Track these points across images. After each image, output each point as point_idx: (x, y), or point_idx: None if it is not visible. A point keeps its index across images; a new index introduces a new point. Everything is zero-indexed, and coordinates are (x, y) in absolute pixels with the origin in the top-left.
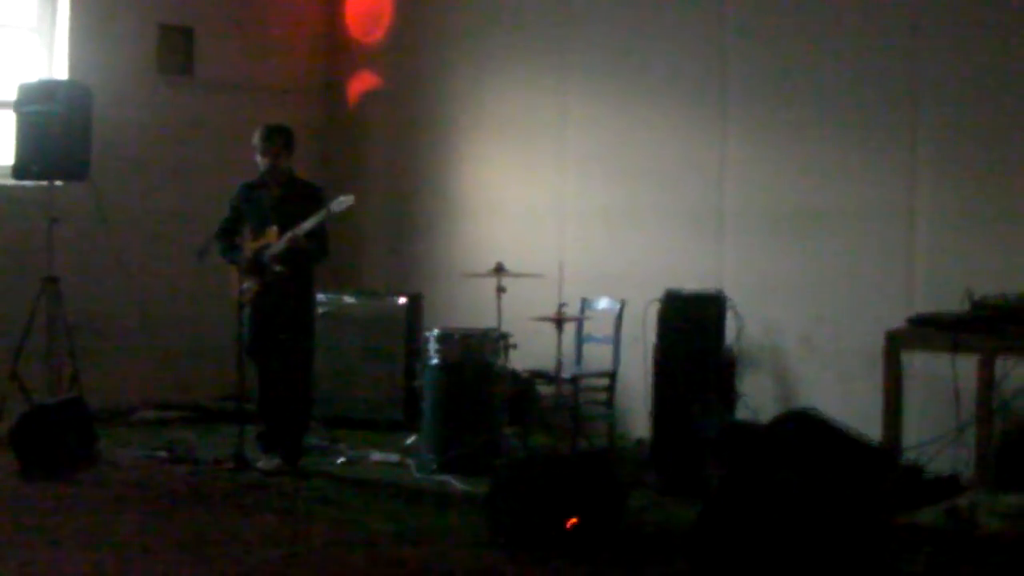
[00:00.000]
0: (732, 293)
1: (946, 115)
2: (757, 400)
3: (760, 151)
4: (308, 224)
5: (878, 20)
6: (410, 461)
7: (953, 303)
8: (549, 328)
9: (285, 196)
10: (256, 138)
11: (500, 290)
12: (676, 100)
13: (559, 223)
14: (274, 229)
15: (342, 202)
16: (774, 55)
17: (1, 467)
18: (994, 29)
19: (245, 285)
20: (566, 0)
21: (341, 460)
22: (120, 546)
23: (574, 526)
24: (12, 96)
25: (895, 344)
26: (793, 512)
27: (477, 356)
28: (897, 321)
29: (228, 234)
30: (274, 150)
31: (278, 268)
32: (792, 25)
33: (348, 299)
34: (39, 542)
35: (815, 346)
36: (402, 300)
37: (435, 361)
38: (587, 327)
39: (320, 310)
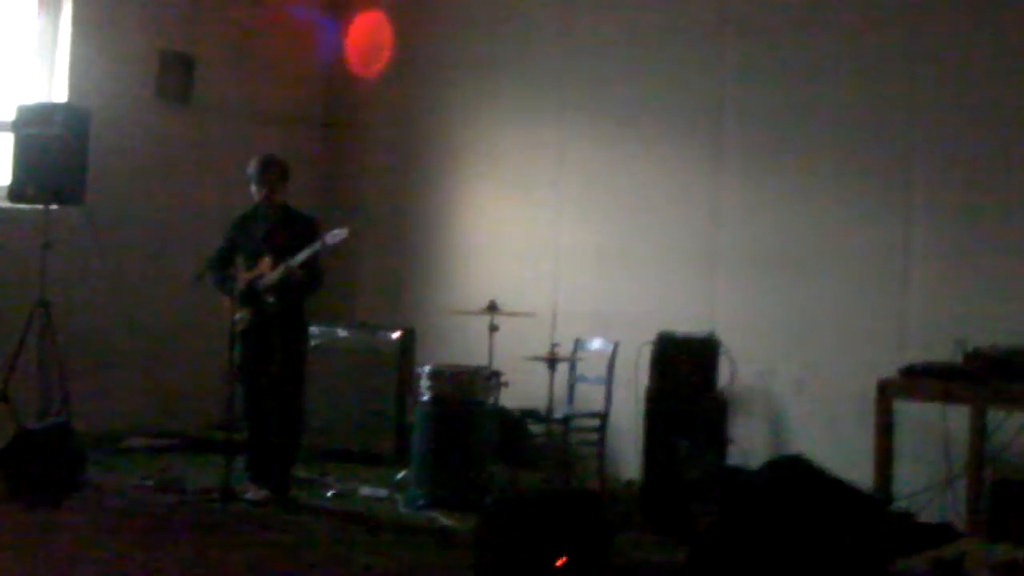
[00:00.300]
0: (725, 336)
1: (941, 161)
2: (748, 444)
3: (755, 194)
4: (302, 255)
5: (874, 65)
6: (398, 496)
7: (945, 350)
8: (541, 367)
9: (279, 227)
10: (251, 168)
11: (493, 328)
12: (672, 142)
13: (554, 263)
14: (267, 260)
15: (336, 235)
16: (770, 98)
17: None
18: (989, 74)
19: (238, 315)
20: (566, 39)
21: (330, 493)
22: (101, 573)
23: (562, 566)
24: (11, 117)
25: (887, 393)
26: (783, 558)
27: (468, 393)
28: (889, 367)
29: (222, 264)
30: (269, 181)
31: (271, 299)
32: (788, 68)
33: (341, 332)
34: (19, 567)
35: (807, 391)
36: (395, 335)
37: (426, 397)
38: (580, 367)
39: (313, 342)
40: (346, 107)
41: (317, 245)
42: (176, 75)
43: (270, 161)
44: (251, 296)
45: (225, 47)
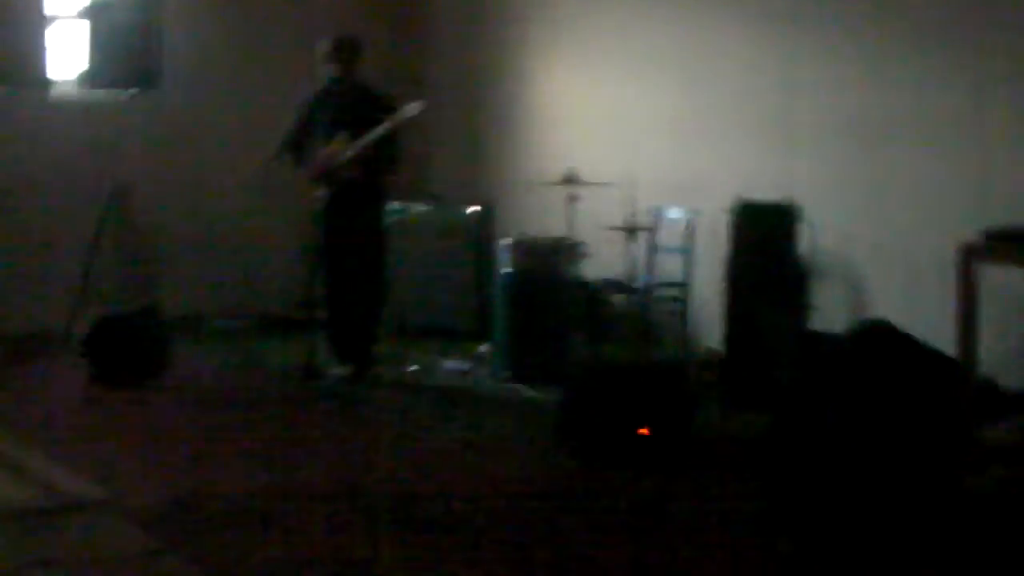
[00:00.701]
0: (803, 202)
1: (1017, 22)
2: (829, 311)
3: (830, 60)
4: (378, 131)
5: None
6: (481, 369)
7: None
8: (621, 238)
9: (355, 104)
10: (323, 47)
11: (572, 199)
12: (746, 8)
13: (630, 132)
14: (344, 136)
15: (411, 109)
16: None
17: (75, 373)
18: None
19: (316, 192)
20: None
21: (412, 368)
22: (189, 450)
23: (644, 435)
24: (85, 3)
25: (970, 257)
26: (866, 424)
27: (549, 265)
28: (971, 232)
29: (296, 142)
30: (342, 58)
31: (349, 176)
32: None
33: (419, 208)
34: (107, 440)
35: (887, 257)
36: (474, 209)
37: (507, 270)
38: (659, 237)
39: (391, 218)
40: None
41: (393, 120)
42: None
43: (342, 39)
44: (329, 174)
45: None
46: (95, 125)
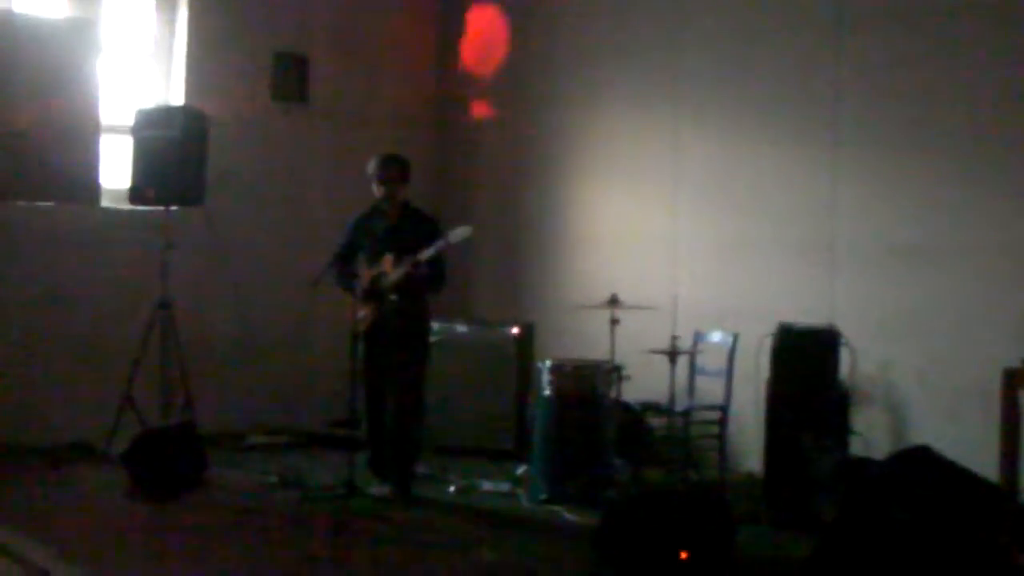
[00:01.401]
0: (845, 328)
1: None
2: (870, 436)
3: (873, 184)
4: (427, 253)
5: (1000, 50)
6: (520, 491)
7: None
8: (661, 360)
9: (401, 225)
10: (372, 166)
11: (614, 322)
12: (788, 132)
13: (672, 256)
14: (389, 258)
15: (460, 232)
16: (888, 88)
17: (113, 487)
18: None
19: (361, 313)
20: (678, 30)
21: (452, 489)
22: (226, 569)
23: (685, 560)
24: (130, 121)
25: (1012, 383)
26: (909, 551)
27: (589, 388)
28: (1012, 358)
29: (343, 262)
30: (390, 178)
31: (394, 297)
32: (904, 58)
33: (460, 328)
34: (144, 560)
35: (929, 383)
36: (514, 330)
37: (547, 392)
38: (700, 360)
39: (432, 338)
40: (458, 105)
41: (441, 242)
42: (291, 75)
43: (391, 159)
44: (374, 294)
45: (338, 46)
46: (139, 242)
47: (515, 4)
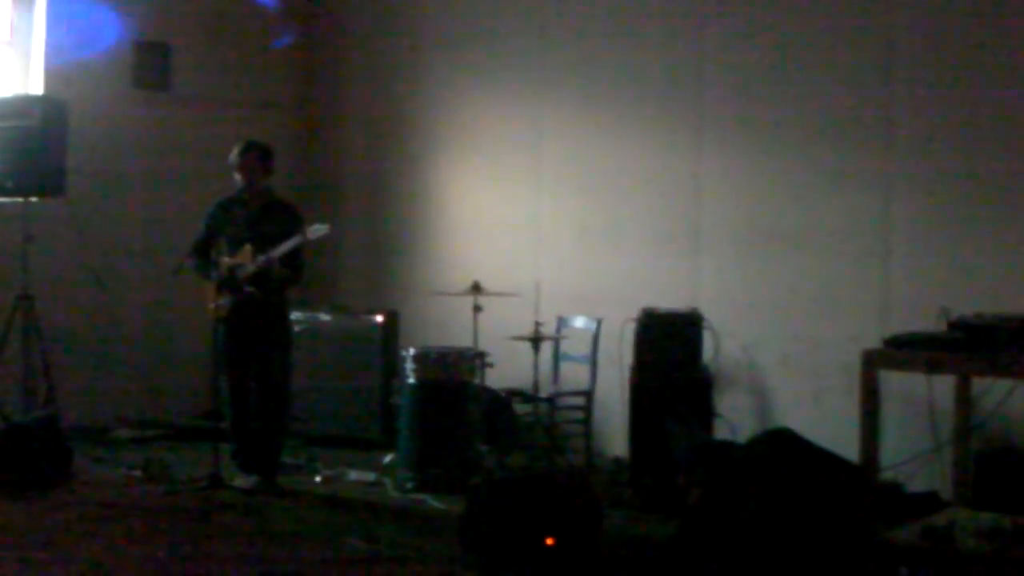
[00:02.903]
0: (709, 312)
1: (920, 131)
2: (735, 418)
3: (736, 169)
4: (282, 249)
5: (852, 35)
6: (386, 480)
7: (929, 319)
8: (526, 347)
9: (261, 215)
10: (233, 154)
11: (477, 309)
12: (651, 118)
13: (535, 241)
14: (248, 248)
15: (317, 230)
16: (749, 73)
17: None
18: (968, 44)
19: (220, 301)
20: (541, 16)
21: (318, 479)
22: (91, 566)
23: (551, 545)
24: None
25: (872, 364)
26: (771, 531)
27: (454, 375)
28: (873, 339)
29: (202, 250)
30: (249, 166)
31: (250, 289)
32: (767, 42)
33: (324, 316)
34: (9, 560)
35: (792, 364)
36: (378, 318)
37: (412, 380)
38: (564, 346)
39: (296, 327)
40: (323, 92)
41: (297, 239)
42: (152, 64)
43: (250, 146)
44: (231, 283)
45: (200, 34)
46: (1, 230)
47: None
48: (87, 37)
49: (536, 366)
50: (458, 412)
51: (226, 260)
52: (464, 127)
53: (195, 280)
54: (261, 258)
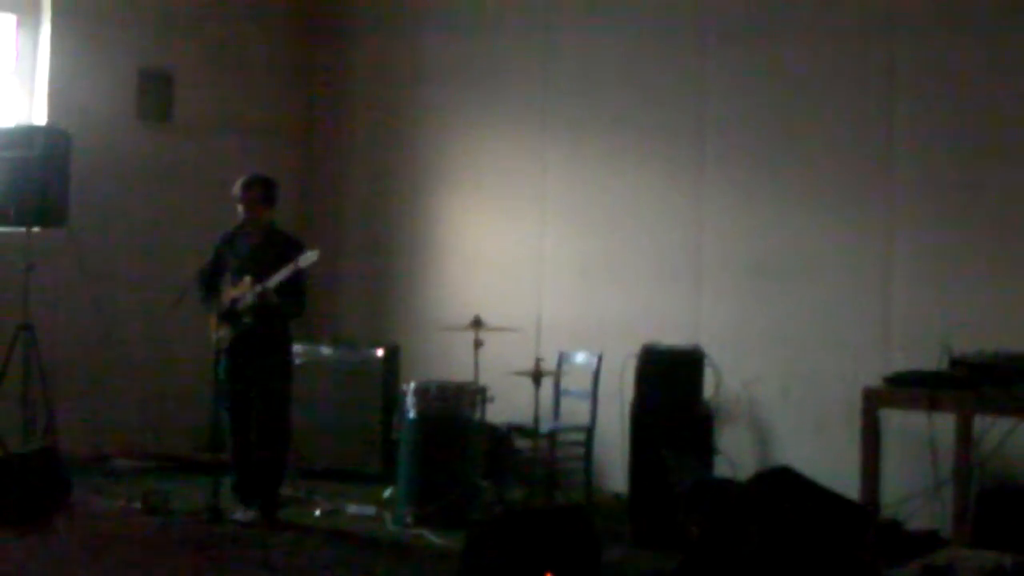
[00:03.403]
0: (710, 347)
1: (922, 168)
2: (735, 454)
3: (738, 205)
4: (275, 279)
5: (854, 73)
6: (386, 514)
7: (930, 357)
8: (526, 382)
9: (263, 246)
10: (236, 187)
11: (478, 343)
12: (653, 153)
13: (536, 276)
14: (248, 280)
15: (308, 257)
16: (751, 109)
17: None
18: (970, 84)
19: (221, 333)
20: (545, 50)
21: (318, 512)
22: None
23: None
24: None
25: (873, 401)
26: (771, 569)
27: (454, 410)
28: (874, 376)
29: (208, 280)
30: (252, 200)
31: (247, 320)
32: (769, 79)
33: (324, 350)
34: None
35: (793, 400)
36: (379, 352)
37: (412, 414)
38: (565, 381)
39: (296, 361)
40: (326, 123)
41: (290, 268)
42: (155, 93)
43: (253, 181)
44: (231, 315)
45: (203, 63)
46: (2, 259)
47: (380, 22)
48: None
49: (537, 401)
50: (458, 447)
51: (228, 292)
52: (466, 160)
53: (197, 311)
54: (256, 288)
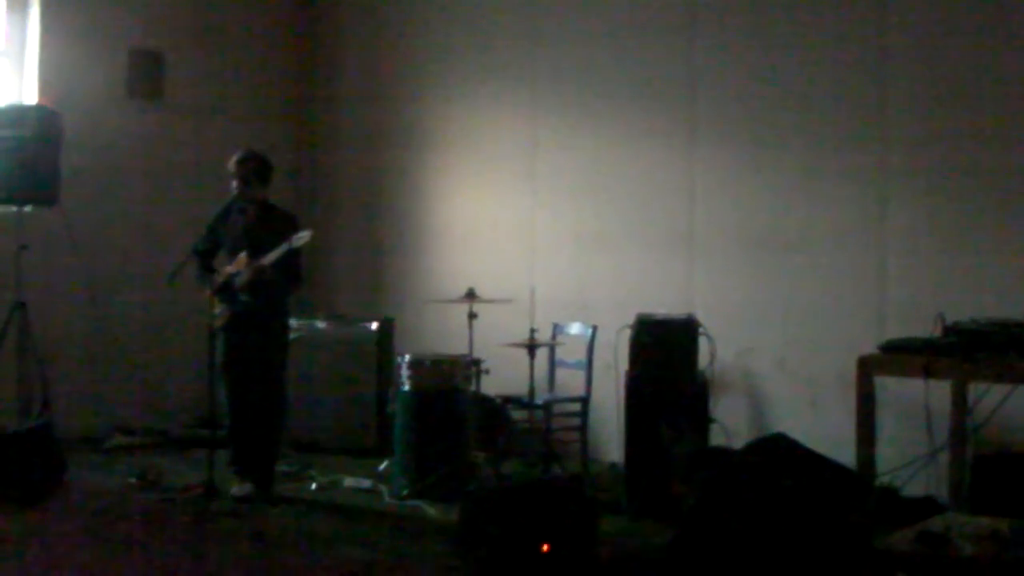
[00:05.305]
0: (704, 317)
1: (916, 139)
2: (730, 424)
3: (731, 175)
4: (270, 257)
5: (846, 42)
6: (382, 487)
7: (925, 324)
8: (521, 354)
9: (258, 223)
10: (231, 162)
11: (472, 316)
12: (646, 124)
13: (530, 248)
14: (244, 257)
15: (300, 237)
16: (742, 77)
17: None
18: (963, 50)
19: (217, 310)
20: (536, 24)
21: (314, 486)
22: (87, 574)
23: (547, 552)
24: None
25: (868, 369)
26: (767, 537)
27: (449, 382)
28: (869, 344)
29: (203, 256)
30: (245, 176)
31: (244, 297)
32: (761, 48)
33: (319, 324)
34: (5, 569)
35: (788, 370)
36: (373, 325)
37: (407, 387)
38: (559, 352)
39: (292, 335)
40: (318, 99)
41: (283, 247)
42: (146, 73)
43: (246, 157)
44: (228, 292)
45: (193, 42)
46: None
47: (372, 2)
48: None
49: (532, 373)
50: (454, 419)
51: (224, 269)
52: (459, 134)
53: (191, 288)
54: (252, 266)
